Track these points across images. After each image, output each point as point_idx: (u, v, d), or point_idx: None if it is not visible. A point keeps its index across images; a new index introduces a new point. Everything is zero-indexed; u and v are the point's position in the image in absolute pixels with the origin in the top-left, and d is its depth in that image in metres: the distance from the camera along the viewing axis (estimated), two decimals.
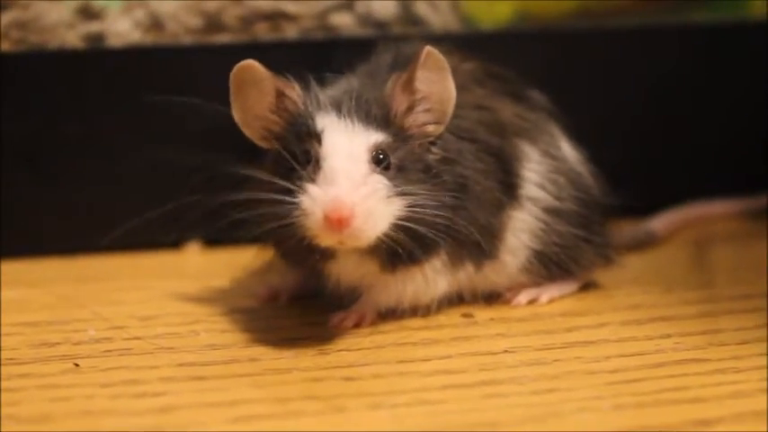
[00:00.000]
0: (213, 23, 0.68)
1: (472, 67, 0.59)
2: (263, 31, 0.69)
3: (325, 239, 0.51)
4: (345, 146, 0.52)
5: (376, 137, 0.53)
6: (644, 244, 0.68)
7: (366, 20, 0.70)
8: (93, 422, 0.46)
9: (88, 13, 0.68)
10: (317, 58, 0.67)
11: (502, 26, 0.74)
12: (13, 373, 0.50)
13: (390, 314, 0.56)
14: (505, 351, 0.53)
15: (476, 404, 0.47)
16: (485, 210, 0.55)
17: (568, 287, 0.60)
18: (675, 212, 0.71)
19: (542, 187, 0.57)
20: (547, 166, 0.58)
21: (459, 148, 0.55)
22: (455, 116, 0.55)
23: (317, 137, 0.52)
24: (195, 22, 0.68)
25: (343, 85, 0.57)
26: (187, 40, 0.68)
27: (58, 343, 0.54)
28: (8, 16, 0.67)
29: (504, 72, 0.61)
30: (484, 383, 0.49)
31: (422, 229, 0.52)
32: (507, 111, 0.59)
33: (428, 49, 0.53)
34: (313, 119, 0.53)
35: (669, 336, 0.54)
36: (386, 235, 0.51)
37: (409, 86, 0.54)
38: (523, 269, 0.58)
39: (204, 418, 0.46)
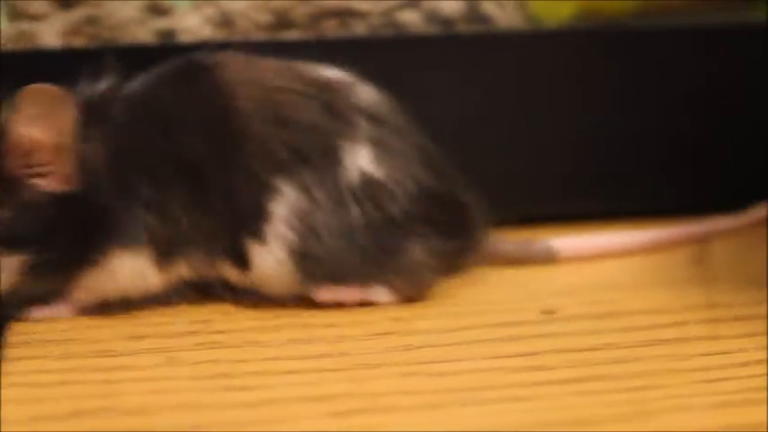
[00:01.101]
0: (282, 20, 0.69)
1: (271, 83, 0.58)
2: (331, 28, 0.69)
3: None
4: None
5: None
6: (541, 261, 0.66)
7: (433, 17, 0.70)
8: (190, 415, 0.47)
9: (157, 10, 0.69)
10: (384, 55, 0.69)
11: (563, 24, 0.74)
12: (108, 366, 0.51)
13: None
14: (591, 348, 0.53)
15: (567, 401, 0.48)
16: (177, 223, 0.56)
17: (381, 296, 0.59)
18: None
19: (291, 226, 0.56)
20: (303, 205, 0.56)
21: (118, 168, 0.55)
22: (163, 140, 0.55)
23: None
24: (265, 18, 0.69)
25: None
26: (257, 36, 0.69)
27: (148, 336, 0.54)
28: (81, 12, 0.68)
29: (328, 79, 0.59)
30: (573, 381, 0.50)
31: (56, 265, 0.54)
32: (276, 141, 0.56)
33: (31, 87, 0.52)
34: None
35: (750, 335, 0.54)
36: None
37: (14, 127, 0.53)
38: (288, 289, 0.57)
39: (300, 412, 0.47)
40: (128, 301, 0.57)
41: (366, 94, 0.59)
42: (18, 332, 0.55)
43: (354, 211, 0.57)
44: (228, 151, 0.56)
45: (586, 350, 0.53)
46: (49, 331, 0.55)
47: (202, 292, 0.58)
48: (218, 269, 0.58)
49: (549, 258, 0.66)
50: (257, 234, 0.56)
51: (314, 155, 0.57)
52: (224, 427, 0.46)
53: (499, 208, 0.62)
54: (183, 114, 0.57)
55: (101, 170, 0.54)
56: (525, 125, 0.72)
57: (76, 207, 0.54)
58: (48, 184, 0.53)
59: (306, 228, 0.56)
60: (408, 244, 0.58)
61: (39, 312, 0.56)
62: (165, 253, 0.56)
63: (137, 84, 0.58)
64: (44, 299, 0.56)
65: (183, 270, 0.57)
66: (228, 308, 0.58)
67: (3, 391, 0.49)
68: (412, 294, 0.59)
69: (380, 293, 0.59)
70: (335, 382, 0.50)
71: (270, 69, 0.59)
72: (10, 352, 0.53)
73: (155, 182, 0.55)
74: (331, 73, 0.60)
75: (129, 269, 0.55)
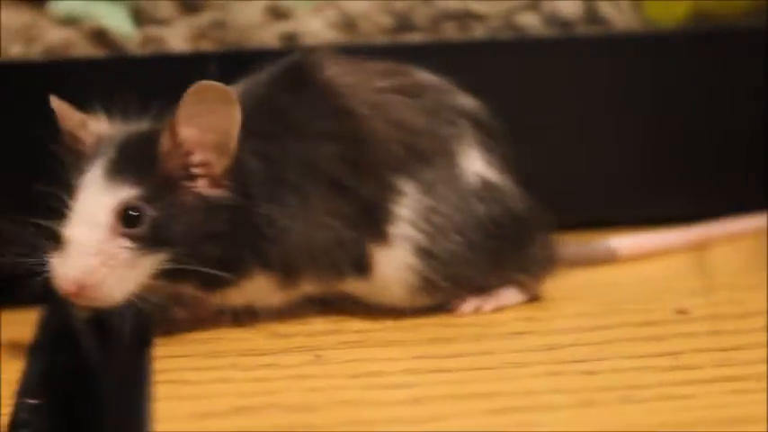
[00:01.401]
0: (404, 23, 0.70)
1: (379, 87, 0.58)
2: (451, 31, 0.70)
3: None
4: (89, 209, 0.52)
5: (128, 193, 0.52)
6: (601, 262, 0.66)
7: (552, 20, 0.71)
8: (351, 412, 0.47)
9: (278, 13, 0.70)
10: (504, 57, 0.69)
11: (678, 26, 0.74)
12: (257, 364, 0.52)
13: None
14: (735, 348, 0.53)
15: (719, 400, 0.48)
16: (309, 238, 0.54)
17: (513, 298, 0.59)
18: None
19: (417, 226, 0.56)
20: (427, 204, 0.56)
21: (277, 176, 0.54)
22: (302, 145, 0.55)
23: (75, 193, 0.52)
24: (386, 21, 0.69)
25: (139, 123, 0.55)
26: (379, 39, 0.69)
27: (291, 335, 0.55)
28: (206, 17, 0.69)
29: (431, 84, 0.59)
30: (724, 379, 0.50)
31: (199, 270, 0.52)
32: (394, 141, 0.56)
33: (200, 84, 0.51)
34: (82, 170, 0.53)
35: None
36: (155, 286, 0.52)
37: (174, 128, 0.52)
38: (409, 297, 0.57)
39: (460, 409, 0.48)
40: (252, 311, 0.56)
41: (465, 98, 0.60)
42: (161, 331, 0.56)
43: (479, 208, 0.57)
44: (350, 153, 0.56)
45: (730, 350, 0.53)
46: (191, 330, 0.56)
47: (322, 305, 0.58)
48: (342, 282, 0.57)
49: (610, 258, 0.66)
50: (382, 237, 0.56)
51: (431, 155, 0.57)
52: (385, 425, 0.46)
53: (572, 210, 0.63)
54: (303, 118, 0.56)
55: (250, 176, 0.54)
56: (627, 127, 0.72)
57: (226, 214, 0.53)
58: (201, 187, 0.53)
59: (432, 227, 0.56)
60: (531, 239, 0.59)
61: (180, 314, 0.56)
62: (291, 271, 0.55)
63: (246, 87, 0.57)
64: (175, 302, 0.56)
65: (308, 287, 0.56)
66: (361, 308, 0.58)
67: (156, 388, 0.50)
68: (536, 291, 0.60)
69: (511, 295, 0.59)
70: (485, 381, 0.50)
71: (374, 71, 0.59)
72: (156, 350, 0.54)
73: (297, 190, 0.55)
74: (429, 77, 0.60)
75: (257, 287, 0.55)
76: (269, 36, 0.69)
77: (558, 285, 0.61)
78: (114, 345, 0.61)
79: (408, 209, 0.56)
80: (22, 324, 0.64)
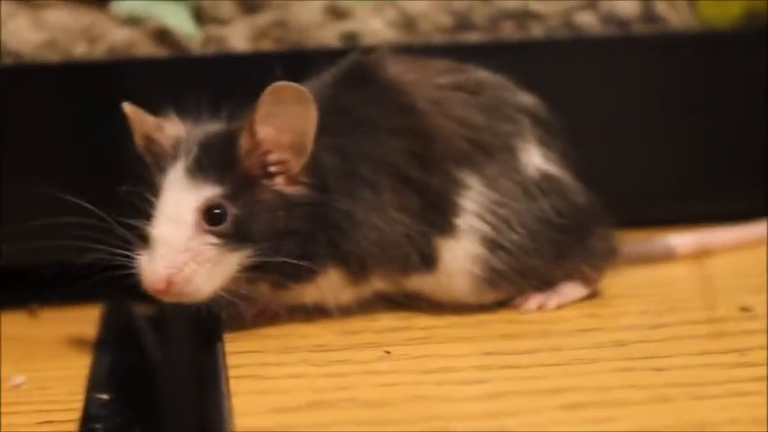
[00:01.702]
0: (463, 22, 0.70)
1: (439, 83, 0.58)
2: (509, 30, 0.70)
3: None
4: (173, 208, 0.53)
5: (211, 191, 0.53)
6: (660, 259, 0.66)
7: (609, 19, 0.71)
8: (425, 407, 0.48)
9: (337, 13, 0.71)
10: (562, 57, 0.70)
11: (732, 25, 0.75)
12: (330, 359, 0.53)
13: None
14: None
15: None
16: (382, 233, 0.55)
17: (576, 293, 0.60)
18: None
19: (483, 218, 0.57)
20: (491, 197, 0.57)
21: (351, 172, 0.55)
22: (371, 140, 0.56)
23: (159, 194, 0.53)
24: (446, 20, 0.70)
25: (215, 123, 0.56)
26: (438, 38, 0.70)
27: (359, 331, 0.56)
28: (269, 16, 0.69)
29: (489, 81, 0.60)
30: None
31: (279, 266, 0.53)
32: (457, 136, 0.57)
33: (276, 85, 0.52)
34: (164, 170, 0.54)
35: None
36: (239, 281, 0.53)
37: (253, 127, 0.53)
38: (474, 291, 0.57)
39: (533, 405, 0.48)
40: (321, 308, 0.57)
41: (524, 95, 0.60)
42: (232, 327, 0.57)
43: (542, 200, 0.58)
44: (416, 147, 0.57)
45: None
46: (263, 326, 0.57)
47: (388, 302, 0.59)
48: (409, 278, 0.57)
49: (669, 255, 0.67)
50: (448, 229, 0.57)
51: (493, 150, 0.58)
52: (460, 421, 0.47)
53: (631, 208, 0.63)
54: (369, 114, 0.57)
55: (326, 172, 0.55)
56: (683, 125, 0.72)
57: (304, 211, 0.54)
58: (279, 185, 0.54)
59: (497, 218, 0.57)
60: (593, 231, 0.59)
61: (249, 311, 0.57)
62: (364, 265, 0.56)
63: (313, 86, 0.57)
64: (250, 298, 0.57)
65: (377, 283, 0.57)
66: (426, 305, 0.59)
67: (231, 382, 0.50)
68: (597, 284, 0.60)
69: (573, 289, 0.60)
70: (556, 377, 0.51)
71: (434, 69, 0.60)
72: (228, 346, 0.55)
73: (370, 185, 0.55)
74: (487, 75, 0.61)
75: (330, 283, 0.56)
76: (329, 35, 0.69)
77: (619, 283, 0.62)
78: (183, 340, 0.62)
79: (473, 201, 0.57)
80: (85, 321, 0.65)
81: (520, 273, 0.57)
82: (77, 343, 0.62)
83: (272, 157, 0.54)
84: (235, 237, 0.53)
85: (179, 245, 0.52)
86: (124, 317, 0.67)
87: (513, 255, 0.57)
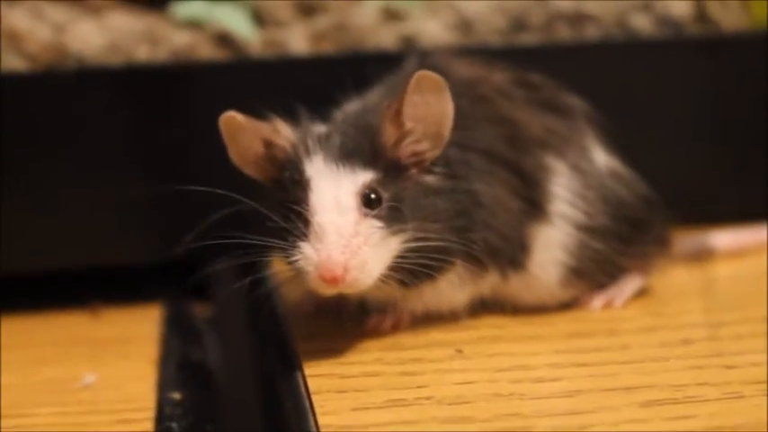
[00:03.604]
0: (518, 24, 0.71)
1: (501, 78, 0.60)
2: (564, 32, 0.71)
3: (324, 293, 0.53)
4: (332, 196, 0.52)
5: (364, 177, 0.53)
6: (698, 257, 0.67)
7: (663, 20, 0.72)
8: (504, 405, 0.49)
9: (391, 14, 0.71)
10: (617, 59, 0.70)
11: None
12: (404, 358, 0.54)
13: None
14: None
15: None
16: (501, 221, 0.56)
17: (635, 285, 0.61)
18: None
19: (573, 204, 0.58)
20: (578, 182, 0.58)
21: (467, 161, 0.55)
22: (470, 129, 0.56)
23: (305, 186, 0.53)
24: (502, 22, 0.71)
25: (338, 118, 0.57)
26: (494, 40, 0.71)
27: (430, 330, 0.57)
28: (327, 19, 0.70)
29: (540, 81, 0.61)
30: None
31: (427, 254, 0.53)
32: (535, 123, 0.59)
33: (420, 74, 0.53)
34: (301, 166, 0.53)
35: None
36: (392, 269, 0.53)
37: (398, 116, 0.53)
38: (560, 283, 0.58)
39: (609, 402, 0.49)
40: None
41: (573, 98, 0.61)
42: (299, 326, 0.57)
43: (618, 190, 0.59)
44: (507, 132, 0.58)
45: None
46: (329, 325, 0.57)
47: None
48: (508, 278, 0.58)
49: (708, 254, 0.67)
50: (542, 217, 0.57)
51: (567, 140, 0.59)
52: (539, 418, 0.48)
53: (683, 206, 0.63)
54: (461, 107, 0.56)
55: (452, 163, 0.55)
56: (736, 124, 0.73)
57: (441, 198, 0.54)
58: (418, 173, 0.54)
59: (587, 204, 0.58)
60: (654, 222, 0.61)
61: (376, 322, 0.57)
62: (485, 257, 0.56)
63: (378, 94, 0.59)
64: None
65: (489, 280, 0.57)
66: (493, 304, 0.59)
67: (309, 380, 0.51)
68: (655, 273, 0.61)
69: (633, 282, 0.61)
70: (628, 375, 0.52)
71: (490, 69, 0.61)
72: (299, 345, 0.55)
73: (486, 174, 0.56)
74: (537, 76, 0.61)
75: (448, 282, 0.56)
76: (387, 38, 0.70)
77: (674, 281, 0.63)
78: (244, 340, 0.63)
79: (563, 187, 0.58)
80: (145, 319, 0.65)
81: (602, 263, 0.58)
82: (141, 341, 0.63)
83: (414, 146, 0.54)
84: (390, 220, 0.52)
85: (350, 229, 0.52)
86: (186, 316, 0.68)
87: (600, 242, 0.58)
